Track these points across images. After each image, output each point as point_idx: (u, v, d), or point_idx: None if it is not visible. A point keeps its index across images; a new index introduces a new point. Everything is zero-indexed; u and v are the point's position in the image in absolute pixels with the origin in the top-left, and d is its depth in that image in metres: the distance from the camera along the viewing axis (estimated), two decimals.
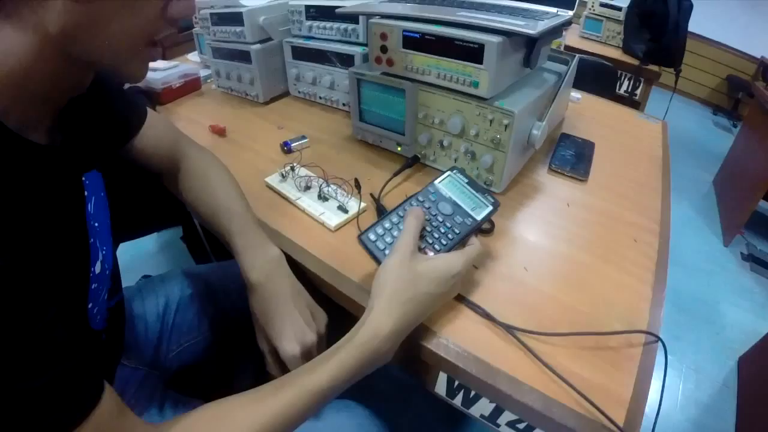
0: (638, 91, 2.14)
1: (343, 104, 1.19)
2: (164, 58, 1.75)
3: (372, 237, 0.65)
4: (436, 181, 0.70)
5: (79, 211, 0.54)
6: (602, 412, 0.51)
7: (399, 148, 0.97)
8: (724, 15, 3.96)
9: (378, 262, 0.62)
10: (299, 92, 1.28)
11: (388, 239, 0.65)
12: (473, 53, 0.75)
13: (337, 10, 0.93)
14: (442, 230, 0.65)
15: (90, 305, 0.56)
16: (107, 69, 0.50)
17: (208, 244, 1.46)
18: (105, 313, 0.62)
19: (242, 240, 0.69)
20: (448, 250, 0.63)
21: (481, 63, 0.75)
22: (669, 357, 1.70)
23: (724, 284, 2.26)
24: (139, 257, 2.15)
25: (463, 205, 0.67)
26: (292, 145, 1.02)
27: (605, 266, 0.74)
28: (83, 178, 0.56)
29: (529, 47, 0.83)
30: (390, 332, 0.54)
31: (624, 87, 2.16)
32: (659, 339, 0.62)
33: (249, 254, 0.68)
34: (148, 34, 0.48)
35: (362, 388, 0.62)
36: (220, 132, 1.11)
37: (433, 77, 0.83)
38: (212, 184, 0.77)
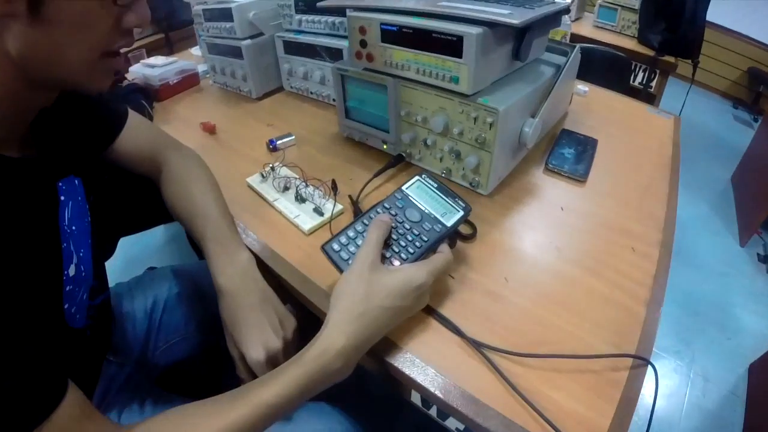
0: (653, 83, 2.06)
1: (334, 100, 1.15)
2: (171, 52, 1.75)
3: (336, 247, 0.61)
4: (404, 187, 0.67)
5: (52, 217, 0.55)
6: None
7: (385, 146, 0.93)
8: (745, 5, 3.80)
9: (342, 273, 0.59)
10: (292, 87, 1.25)
11: (352, 248, 0.61)
12: (452, 46, 0.71)
13: (318, 3, 0.90)
14: (410, 238, 0.61)
15: (66, 306, 0.56)
16: (69, 86, 0.51)
17: None
18: (88, 311, 0.64)
19: (214, 245, 0.68)
20: (416, 259, 0.60)
21: (460, 57, 0.71)
22: (677, 362, 1.64)
23: (739, 287, 2.16)
24: (147, 249, 2.18)
25: (432, 211, 0.64)
26: (278, 143, 0.99)
27: (595, 280, 0.68)
28: (60, 184, 0.57)
29: (517, 39, 0.78)
30: (342, 348, 0.51)
31: (639, 79, 2.08)
32: (649, 363, 0.56)
33: (219, 260, 0.67)
34: (104, 47, 0.48)
35: (351, 390, 0.59)
36: (210, 130, 1.09)
37: (412, 73, 0.78)
38: (191, 188, 0.76)
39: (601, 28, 2.31)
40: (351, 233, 0.62)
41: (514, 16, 0.68)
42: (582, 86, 1.31)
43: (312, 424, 0.74)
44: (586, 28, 2.32)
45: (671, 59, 2.01)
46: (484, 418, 0.50)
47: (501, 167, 0.83)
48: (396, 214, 0.63)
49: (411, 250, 0.60)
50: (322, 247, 0.62)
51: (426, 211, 0.64)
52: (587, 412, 0.51)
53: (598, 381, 0.54)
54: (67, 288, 0.56)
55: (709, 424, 1.60)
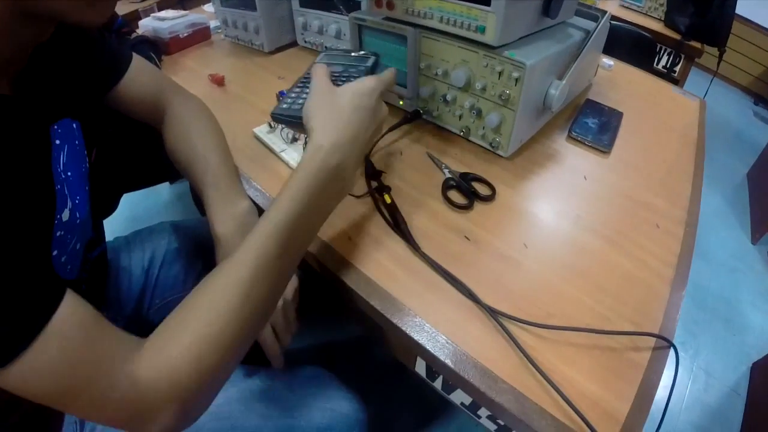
0: (677, 68, 1.99)
1: None
2: (183, 8, 1.70)
3: (285, 106, 0.61)
4: (317, 60, 0.68)
5: (44, 159, 0.51)
6: (591, 428, 0.43)
7: (401, 102, 0.88)
8: None
9: (300, 119, 0.59)
10: (306, 42, 1.20)
11: (302, 100, 0.61)
12: None
13: None
14: (345, 76, 0.63)
15: (55, 252, 0.52)
16: (65, 18, 0.45)
17: None
18: (83, 264, 0.61)
19: (213, 191, 0.65)
20: None
21: (488, 4, 0.66)
22: (681, 354, 1.60)
23: (748, 284, 2.11)
24: (152, 209, 2.15)
25: (350, 63, 0.67)
26: None
27: (618, 254, 0.64)
28: (55, 127, 0.53)
29: None
30: (333, 143, 0.52)
31: (663, 62, 2.01)
32: (672, 345, 0.53)
33: (218, 206, 0.64)
34: None
35: (351, 356, 0.56)
36: (218, 81, 1.05)
37: (435, 21, 0.73)
38: (192, 133, 0.73)
39: (627, 7, 2.22)
40: (294, 92, 0.63)
41: None
42: (607, 60, 1.26)
43: (311, 390, 0.72)
44: (611, 6, 2.23)
45: (697, 45, 1.93)
46: (497, 392, 0.47)
47: (523, 129, 0.78)
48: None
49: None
50: (272, 114, 0.61)
51: (345, 64, 0.66)
52: (605, 393, 0.47)
53: (617, 360, 0.51)
54: (58, 233, 0.52)
55: (709, 419, 1.57)
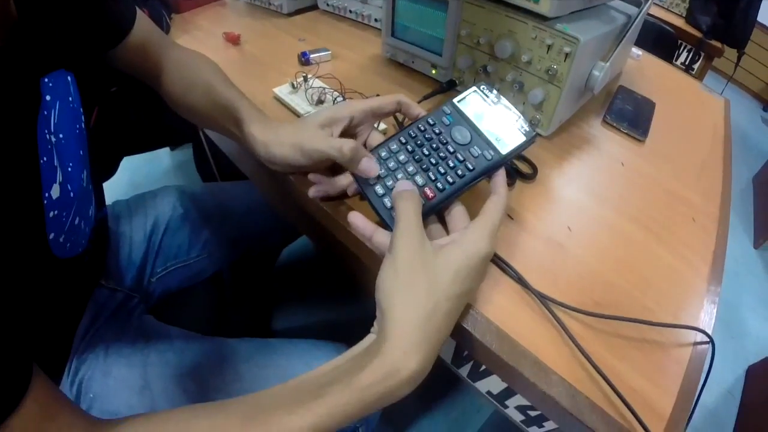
0: (696, 66, 1.97)
1: (376, 20, 1.05)
2: None
3: (377, 187, 0.50)
4: (456, 100, 0.53)
5: (29, 121, 0.42)
6: (645, 428, 0.41)
7: (434, 71, 0.84)
8: None
9: (377, 214, 0.48)
10: (328, 5, 1.14)
11: (390, 182, 0.49)
12: None
13: None
14: (451, 164, 0.49)
15: (52, 236, 0.46)
16: None
17: (215, 165, 1.39)
18: (88, 234, 0.55)
19: (247, 104, 0.60)
20: (456, 191, 0.48)
21: None
22: None
23: (749, 289, 2.13)
24: (156, 173, 2.11)
25: (485, 133, 0.51)
26: (312, 56, 0.89)
27: (658, 245, 0.61)
28: (45, 80, 0.45)
29: None
30: (415, 372, 0.38)
31: (682, 58, 1.98)
32: (711, 341, 0.51)
33: (257, 114, 0.59)
34: None
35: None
36: (233, 40, 0.99)
37: None
38: (204, 71, 0.67)
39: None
40: (393, 146, 0.51)
41: None
42: (636, 50, 1.22)
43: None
44: None
45: (718, 44, 1.91)
46: (548, 384, 0.43)
47: (565, 108, 0.74)
48: (440, 133, 0.51)
49: (450, 180, 0.48)
50: (364, 194, 0.51)
51: (478, 131, 0.51)
52: (651, 390, 0.45)
53: (663, 354, 0.48)
54: (51, 214, 0.45)
55: (703, 419, 1.59)
